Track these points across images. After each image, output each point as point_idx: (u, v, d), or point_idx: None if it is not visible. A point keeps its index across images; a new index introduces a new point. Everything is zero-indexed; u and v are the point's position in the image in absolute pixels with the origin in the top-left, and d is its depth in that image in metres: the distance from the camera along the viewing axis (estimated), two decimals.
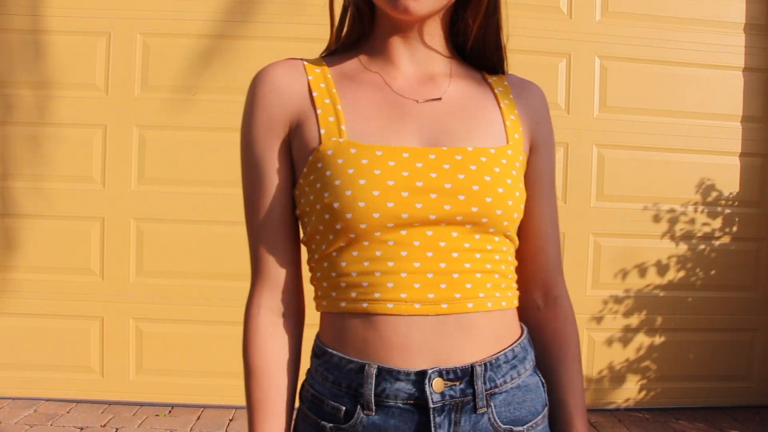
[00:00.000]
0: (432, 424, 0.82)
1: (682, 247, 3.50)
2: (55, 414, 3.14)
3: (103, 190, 3.28)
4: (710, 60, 3.47)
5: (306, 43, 3.40)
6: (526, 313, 0.96)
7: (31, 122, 3.27)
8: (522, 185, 0.89)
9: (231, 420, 3.18)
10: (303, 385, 0.93)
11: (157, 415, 3.19)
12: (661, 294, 3.50)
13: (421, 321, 0.82)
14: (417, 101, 0.88)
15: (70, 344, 3.30)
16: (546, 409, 0.91)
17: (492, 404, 0.84)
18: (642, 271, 3.48)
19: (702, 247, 3.53)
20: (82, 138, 3.27)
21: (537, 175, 0.94)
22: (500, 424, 0.85)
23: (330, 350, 0.88)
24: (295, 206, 0.90)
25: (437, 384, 0.82)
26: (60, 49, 3.26)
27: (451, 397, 0.83)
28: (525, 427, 0.87)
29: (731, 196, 3.53)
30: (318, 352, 0.91)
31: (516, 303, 0.91)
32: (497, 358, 0.85)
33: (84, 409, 3.22)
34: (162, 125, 3.28)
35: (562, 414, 0.94)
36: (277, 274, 0.90)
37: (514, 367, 0.87)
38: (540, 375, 0.92)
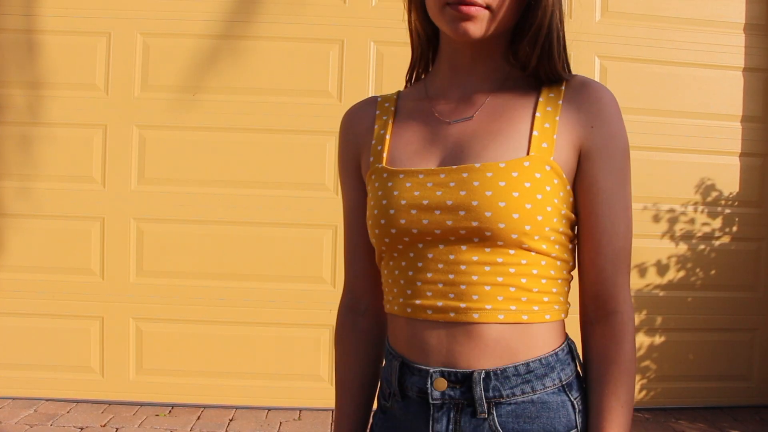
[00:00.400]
0: (431, 418, 0.91)
1: (682, 247, 3.50)
2: (55, 414, 3.15)
3: (103, 190, 3.28)
4: (710, 60, 3.47)
5: (306, 43, 3.42)
6: (583, 328, 0.96)
7: (31, 122, 3.27)
8: (542, 196, 0.87)
9: (231, 420, 3.19)
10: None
11: (157, 415, 3.19)
12: (661, 294, 3.50)
13: (433, 327, 0.91)
14: (449, 122, 0.94)
15: (71, 344, 3.30)
16: (573, 431, 0.91)
17: (495, 413, 0.88)
18: (642, 271, 3.49)
19: (702, 247, 3.53)
20: (83, 138, 3.27)
21: (589, 182, 0.92)
22: None
23: (387, 343, 1.01)
24: None
25: (439, 383, 0.89)
26: (60, 49, 3.26)
27: (451, 397, 0.89)
28: None
29: (731, 196, 3.53)
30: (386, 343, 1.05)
31: (548, 318, 0.91)
32: (505, 370, 0.88)
33: (84, 409, 3.22)
34: (162, 125, 3.28)
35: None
36: (354, 281, 1.07)
37: (528, 381, 0.89)
38: (571, 396, 0.92)
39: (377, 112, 1.01)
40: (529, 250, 0.88)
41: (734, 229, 3.54)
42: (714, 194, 3.51)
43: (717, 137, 3.50)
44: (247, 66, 3.30)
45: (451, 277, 0.89)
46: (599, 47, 3.41)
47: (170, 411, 3.25)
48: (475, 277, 0.88)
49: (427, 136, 0.95)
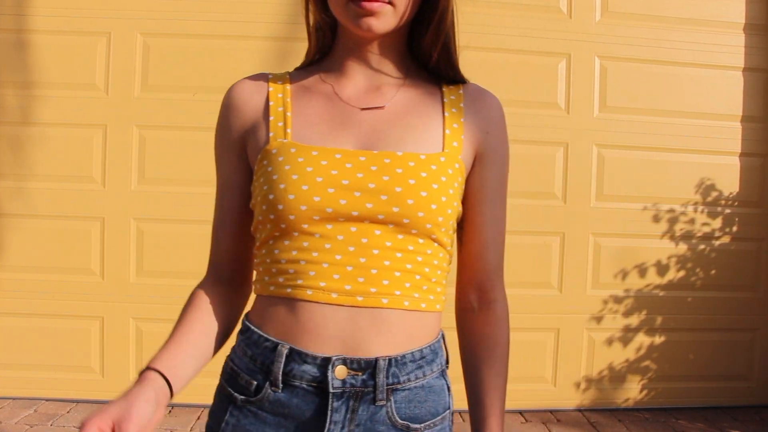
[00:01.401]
0: (329, 408, 0.88)
1: (682, 247, 3.50)
2: (55, 414, 3.15)
3: (103, 190, 3.28)
4: (710, 60, 3.48)
5: (305, 42, 3.41)
6: (462, 315, 1.03)
7: (31, 123, 3.27)
8: (452, 191, 0.91)
9: None
10: (225, 361, 1.02)
11: None
12: (661, 294, 3.50)
13: (336, 310, 0.88)
14: (360, 109, 0.95)
15: (71, 344, 3.30)
16: (447, 412, 0.97)
17: (392, 399, 0.90)
18: (642, 271, 3.49)
19: (702, 247, 3.53)
20: (83, 138, 3.27)
21: (480, 183, 0.97)
22: (397, 418, 0.90)
23: (252, 328, 0.94)
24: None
25: (340, 371, 0.87)
26: (60, 50, 3.26)
27: (352, 385, 0.88)
28: (422, 425, 0.92)
29: (731, 196, 3.53)
30: (242, 329, 0.98)
31: (438, 308, 0.95)
32: (404, 356, 0.90)
33: (84, 409, 3.22)
34: (162, 125, 3.28)
35: (478, 414, 0.98)
36: (219, 258, 1.05)
37: (420, 367, 0.92)
38: (447, 380, 0.98)
39: (270, 89, 0.99)
40: (435, 241, 0.91)
41: (734, 229, 3.54)
42: (714, 194, 3.51)
43: (717, 137, 3.50)
44: (248, 66, 3.29)
45: (362, 260, 0.88)
46: (599, 47, 3.41)
47: (170, 411, 3.25)
48: (387, 262, 0.88)
49: (335, 119, 0.94)
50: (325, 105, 0.96)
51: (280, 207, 0.88)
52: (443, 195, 0.89)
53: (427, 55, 0.98)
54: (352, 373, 0.88)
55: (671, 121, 3.46)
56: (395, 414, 0.90)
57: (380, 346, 0.89)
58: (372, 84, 0.98)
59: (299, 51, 3.46)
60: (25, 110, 3.27)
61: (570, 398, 3.48)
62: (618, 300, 3.47)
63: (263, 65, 3.29)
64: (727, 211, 3.54)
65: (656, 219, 3.47)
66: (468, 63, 3.15)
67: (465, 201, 0.97)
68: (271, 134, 0.94)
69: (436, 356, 0.95)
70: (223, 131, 1.01)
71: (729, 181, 3.53)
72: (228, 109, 1.00)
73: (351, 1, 0.89)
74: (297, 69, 1.04)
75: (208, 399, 3.49)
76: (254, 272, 0.99)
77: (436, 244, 0.92)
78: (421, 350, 0.92)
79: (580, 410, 3.47)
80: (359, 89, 0.97)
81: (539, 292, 3.41)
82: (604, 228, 3.45)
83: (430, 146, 0.92)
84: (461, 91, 1.00)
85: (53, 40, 3.26)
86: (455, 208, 0.93)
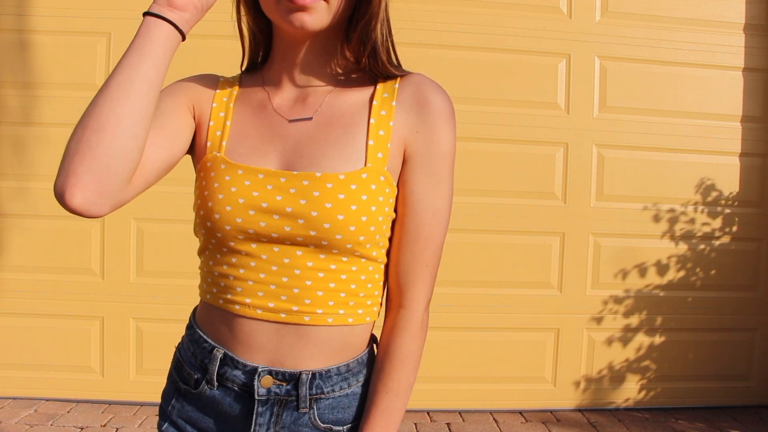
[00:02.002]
0: (255, 412, 0.94)
1: (682, 247, 3.51)
2: (55, 414, 3.15)
3: None
4: (710, 60, 3.48)
5: None
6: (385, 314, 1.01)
7: (31, 123, 3.27)
8: (375, 207, 0.89)
9: None
10: (175, 349, 1.08)
11: (157, 415, 3.19)
12: (661, 294, 3.50)
13: (262, 325, 0.92)
14: (288, 121, 0.94)
15: (71, 344, 3.30)
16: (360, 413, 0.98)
17: (315, 407, 0.94)
18: (642, 271, 3.49)
19: (702, 247, 3.53)
20: None
21: (403, 185, 0.93)
22: (320, 423, 0.95)
23: (196, 327, 1.00)
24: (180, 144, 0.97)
25: (266, 381, 0.93)
26: (60, 50, 3.26)
27: (276, 394, 0.94)
28: (344, 427, 0.96)
29: (731, 196, 3.53)
30: (189, 325, 1.04)
31: (368, 320, 0.96)
32: (329, 370, 0.94)
33: (84, 408, 3.23)
34: None
35: (361, 426, 0.96)
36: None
37: (346, 379, 0.95)
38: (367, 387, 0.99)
39: (217, 90, 1.00)
40: (360, 257, 0.92)
41: (734, 229, 3.54)
42: (714, 194, 3.51)
43: (717, 137, 3.50)
44: None
45: (284, 280, 0.91)
46: (599, 47, 3.41)
47: None
48: (308, 282, 0.91)
49: (265, 131, 0.94)
50: (259, 115, 0.96)
51: (208, 224, 0.91)
52: (364, 214, 0.88)
53: (357, 57, 0.95)
54: (278, 383, 0.93)
55: (671, 121, 3.46)
56: (317, 419, 0.95)
57: (305, 360, 0.93)
58: (301, 92, 0.97)
59: None
60: (26, 110, 3.27)
61: (570, 398, 3.48)
62: (618, 300, 3.48)
63: None
64: (727, 211, 3.54)
65: (656, 219, 3.47)
66: (468, 63, 3.19)
67: (398, 203, 0.95)
68: (208, 143, 0.95)
69: (365, 367, 0.97)
70: (188, 85, 0.99)
71: (729, 181, 3.53)
72: (192, 80, 1.00)
73: None
74: (247, 71, 1.05)
75: None
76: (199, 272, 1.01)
77: (363, 260, 0.92)
78: (347, 364, 0.95)
79: (579, 410, 3.47)
80: (289, 98, 0.97)
81: (539, 292, 3.42)
82: (604, 228, 3.45)
83: (351, 163, 0.90)
84: (396, 86, 0.95)
85: (54, 40, 3.26)
86: (380, 223, 0.91)
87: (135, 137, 0.82)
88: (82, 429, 3.00)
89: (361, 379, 0.97)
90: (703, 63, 3.47)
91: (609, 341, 3.49)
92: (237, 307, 0.93)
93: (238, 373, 0.94)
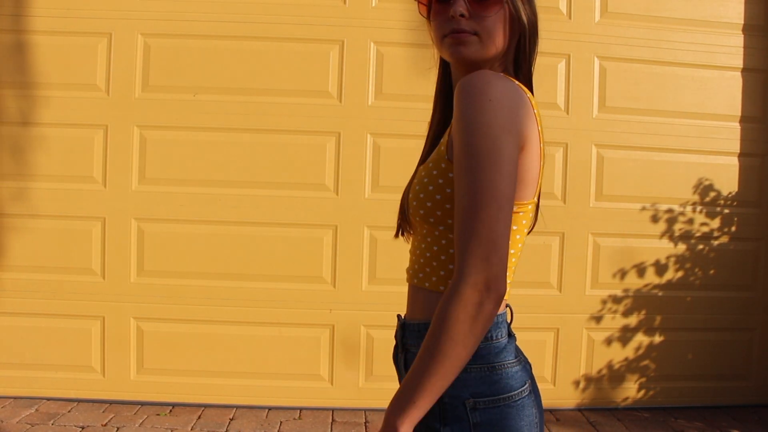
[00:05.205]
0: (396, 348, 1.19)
1: (681, 247, 3.51)
2: (56, 413, 3.15)
3: (104, 190, 3.29)
4: (709, 60, 3.48)
5: (306, 43, 3.42)
6: None
7: (32, 123, 3.28)
8: (433, 186, 1.06)
9: (232, 419, 3.19)
10: None
11: (158, 415, 3.20)
12: (660, 294, 3.51)
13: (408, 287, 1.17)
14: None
15: (72, 344, 3.31)
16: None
17: (405, 356, 1.13)
18: (641, 270, 3.50)
19: (700, 246, 3.54)
20: (84, 138, 3.28)
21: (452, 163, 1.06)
22: (405, 373, 1.10)
23: None
24: None
25: (398, 326, 1.18)
26: (62, 50, 3.27)
27: (396, 336, 1.18)
28: None
29: (730, 196, 3.54)
30: None
31: (441, 288, 1.07)
32: (410, 324, 1.12)
33: (85, 408, 3.23)
34: (162, 125, 3.29)
35: None
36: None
37: (420, 337, 1.06)
38: None
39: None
40: (444, 230, 1.07)
41: (733, 229, 3.55)
42: (712, 194, 3.52)
43: (715, 137, 3.51)
44: (247, 66, 3.31)
45: (411, 249, 1.16)
46: (599, 48, 3.42)
47: (171, 410, 3.26)
48: (417, 251, 1.13)
49: None
50: None
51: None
52: (422, 192, 1.07)
53: (526, 81, 1.17)
54: (398, 327, 1.17)
55: (670, 122, 3.47)
56: (404, 368, 1.13)
57: (408, 313, 1.15)
58: None
59: (299, 51, 3.47)
60: (26, 111, 3.28)
61: (569, 398, 3.49)
62: (617, 300, 3.48)
63: (263, 65, 3.30)
64: (726, 211, 3.54)
65: (655, 219, 3.48)
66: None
67: None
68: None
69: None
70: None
71: (728, 181, 3.54)
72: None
73: (446, 36, 1.09)
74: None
75: (209, 398, 3.51)
76: None
77: (442, 229, 1.07)
78: (419, 323, 1.10)
79: (579, 409, 3.48)
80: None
81: (539, 292, 3.42)
82: (603, 228, 3.46)
83: (432, 155, 1.12)
84: None
85: (54, 41, 3.27)
86: (438, 201, 1.05)
87: None
88: (82, 428, 3.01)
89: None
90: (702, 63, 3.48)
91: (608, 341, 3.49)
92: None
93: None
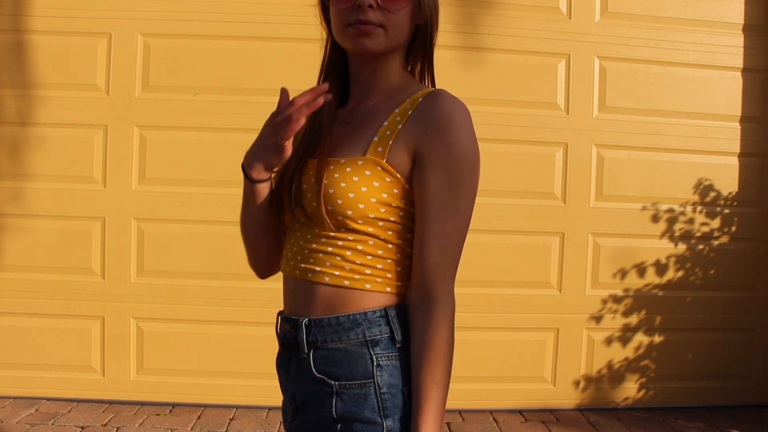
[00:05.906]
0: (281, 354, 1.20)
1: (681, 247, 3.51)
2: (56, 413, 3.15)
3: (104, 190, 3.29)
4: (709, 60, 3.48)
5: (306, 43, 3.41)
6: (410, 311, 1.09)
7: (33, 123, 3.28)
8: (365, 188, 1.04)
9: (232, 419, 3.19)
10: None
11: (157, 415, 3.20)
12: (660, 293, 3.51)
13: (287, 280, 1.16)
14: (337, 125, 1.14)
15: (72, 344, 3.30)
16: (369, 381, 1.05)
17: (311, 355, 1.09)
18: (641, 270, 3.50)
19: (701, 246, 3.54)
20: (84, 138, 3.28)
21: (420, 183, 1.05)
22: (314, 372, 1.09)
23: None
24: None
25: (282, 327, 1.17)
26: (62, 50, 3.26)
27: (286, 338, 1.16)
28: (337, 383, 1.06)
29: (730, 196, 3.54)
30: None
31: (368, 287, 1.07)
32: (321, 320, 1.08)
33: (85, 408, 3.23)
34: (162, 125, 3.29)
35: (413, 412, 1.05)
36: None
37: (337, 332, 1.07)
38: (373, 352, 1.06)
39: None
40: (355, 230, 1.05)
41: (733, 229, 3.55)
42: (713, 194, 3.52)
43: (716, 137, 3.51)
44: (247, 66, 3.31)
45: (301, 243, 1.13)
46: (599, 47, 3.42)
47: (171, 410, 3.26)
48: (314, 246, 1.09)
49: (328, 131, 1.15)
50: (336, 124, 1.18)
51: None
52: (351, 191, 1.04)
53: (408, 77, 1.18)
54: (289, 329, 1.14)
55: (670, 122, 3.47)
56: (312, 367, 1.09)
57: (307, 311, 1.10)
58: (356, 104, 1.17)
59: (300, 51, 3.47)
60: (26, 111, 3.28)
61: (569, 398, 3.49)
62: (617, 300, 3.48)
63: (263, 65, 3.30)
64: (726, 211, 3.54)
65: (655, 219, 3.48)
66: (468, 63, 3.18)
67: (415, 201, 1.06)
68: None
69: (357, 326, 1.06)
70: None
71: (728, 181, 3.54)
72: None
73: (350, 25, 1.07)
74: None
75: (209, 398, 3.52)
76: None
77: (358, 233, 1.06)
78: (338, 317, 1.07)
79: (579, 410, 3.48)
80: (348, 108, 1.18)
81: (539, 292, 3.42)
82: (603, 228, 3.46)
83: (353, 153, 1.08)
84: (420, 99, 1.09)
85: (54, 41, 3.26)
86: (375, 204, 1.04)
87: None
88: (82, 428, 3.01)
89: (353, 338, 1.06)
90: (702, 63, 3.48)
91: (608, 341, 3.49)
92: (287, 269, 1.17)
93: (278, 322, 1.21)
